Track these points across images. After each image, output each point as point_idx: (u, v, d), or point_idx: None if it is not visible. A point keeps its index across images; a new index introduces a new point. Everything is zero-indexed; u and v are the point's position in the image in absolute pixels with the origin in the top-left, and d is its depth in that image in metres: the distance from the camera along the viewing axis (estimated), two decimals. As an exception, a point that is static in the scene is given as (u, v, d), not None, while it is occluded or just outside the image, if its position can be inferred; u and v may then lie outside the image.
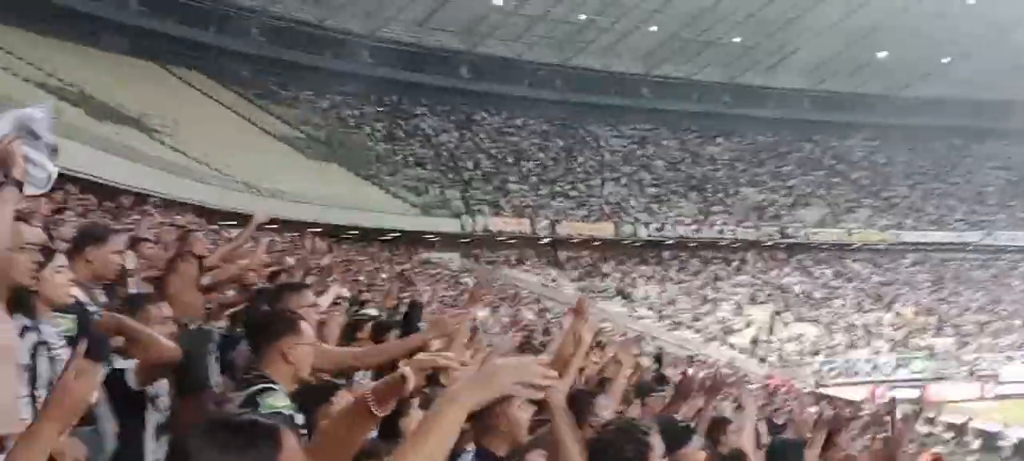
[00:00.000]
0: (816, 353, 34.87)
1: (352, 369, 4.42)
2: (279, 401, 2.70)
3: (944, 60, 48.50)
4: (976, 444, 23.13)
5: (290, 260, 11.39)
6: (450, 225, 36.54)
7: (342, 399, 3.09)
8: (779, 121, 51.47)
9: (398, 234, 33.81)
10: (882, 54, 48.25)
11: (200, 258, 5.69)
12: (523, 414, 2.84)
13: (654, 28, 45.49)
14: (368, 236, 31.20)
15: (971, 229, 45.75)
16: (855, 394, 26.02)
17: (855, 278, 42.17)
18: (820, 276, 41.94)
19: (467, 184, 40.56)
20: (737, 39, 47.04)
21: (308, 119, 39.75)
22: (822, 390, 26.48)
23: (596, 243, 40.24)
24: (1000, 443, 22.54)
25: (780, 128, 51.66)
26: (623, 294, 37.38)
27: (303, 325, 2.95)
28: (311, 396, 3.06)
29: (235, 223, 17.11)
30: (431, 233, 35.86)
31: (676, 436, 3.11)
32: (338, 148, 38.20)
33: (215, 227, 16.54)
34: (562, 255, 39.91)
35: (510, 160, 43.78)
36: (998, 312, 40.01)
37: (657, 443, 2.39)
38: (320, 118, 40.72)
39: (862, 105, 52.64)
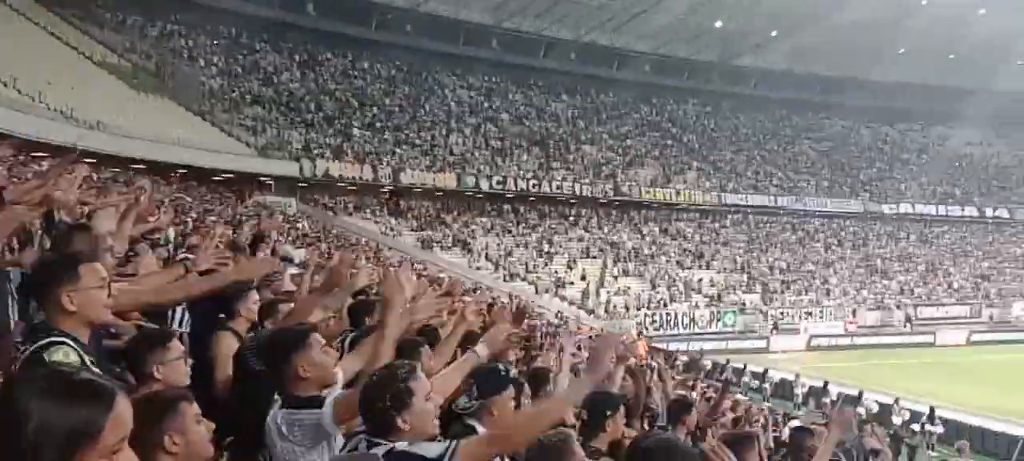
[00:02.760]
0: (640, 307, 36.81)
1: (159, 305, 4.29)
2: (67, 356, 2.48)
3: (773, 33, 51.71)
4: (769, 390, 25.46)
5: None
6: (288, 168, 35.49)
7: (176, 347, 2.92)
8: (620, 82, 53.29)
9: (231, 175, 32.51)
10: (718, 24, 50.82)
11: (-2, 190, 5.33)
12: (324, 357, 2.98)
13: (505, -20, 45.68)
14: (199, 176, 29.80)
15: (785, 194, 49.47)
16: (674, 346, 27.83)
17: (679, 236, 44.68)
18: (648, 234, 44.11)
19: (308, 127, 39.46)
20: (587, -1, 48.07)
21: (135, 46, 37.17)
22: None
23: (438, 193, 40.38)
24: (796, 391, 24.93)
25: (621, 89, 53.52)
26: (462, 245, 37.86)
27: (82, 269, 2.64)
28: (144, 344, 2.90)
29: (48, 156, 15.91)
30: (267, 176, 34.71)
31: (492, 382, 3.23)
32: (168, 80, 36.02)
33: (24, 160, 15.32)
34: (403, 204, 39.78)
35: (354, 104, 42.93)
36: (801, 272, 43.74)
37: (419, 385, 2.48)
38: (149, 46, 38.18)
39: (697, 72, 55.40)
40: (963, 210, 52.63)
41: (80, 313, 2.63)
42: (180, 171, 28.67)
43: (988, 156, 59.54)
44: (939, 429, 19.99)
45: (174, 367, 2.87)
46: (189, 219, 14.97)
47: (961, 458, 13.39)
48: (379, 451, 2.39)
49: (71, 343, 2.56)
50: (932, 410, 20.42)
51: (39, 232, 6.17)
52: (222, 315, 4.61)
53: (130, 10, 38.83)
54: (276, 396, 2.95)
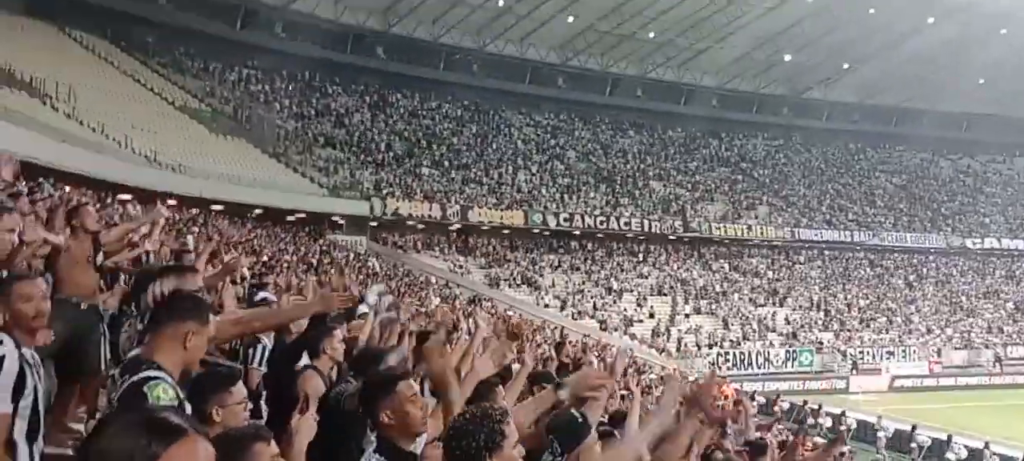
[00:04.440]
0: (712, 345, 36.08)
1: (236, 336, 4.34)
2: (166, 393, 2.54)
3: (844, 66, 50.70)
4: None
5: (190, 239, 11.18)
6: (359, 207, 36.12)
7: (239, 391, 2.90)
8: (688, 117, 52.86)
9: (304, 215, 33.25)
10: (787, 57, 50.12)
11: (93, 234, 5.50)
12: (415, 409, 2.92)
13: (571, 18, 45.97)
14: (274, 216, 30.59)
15: (860, 229, 48.09)
16: (748, 386, 27.14)
17: (751, 273, 43.78)
18: (719, 270, 43.35)
19: (378, 166, 40.18)
20: (651, 34, 48.02)
21: (215, 92, 38.58)
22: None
23: (506, 231, 40.52)
24: (878, 435, 23.93)
25: (688, 124, 53.08)
26: (529, 282, 37.82)
27: (211, 316, 2.80)
28: (208, 384, 2.88)
29: (133, 199, 16.52)
30: (338, 215, 35.39)
31: (573, 432, 3.12)
32: (245, 123, 37.21)
33: (111, 202, 15.96)
34: (471, 242, 40.03)
35: (423, 144, 43.57)
36: (881, 309, 42.28)
37: (511, 430, 2.40)
38: (227, 91, 39.58)
39: (766, 105, 54.60)
40: (1052, 244, 50.29)
41: (188, 355, 2.73)
42: (256, 211, 29.55)
43: (1076, 187, 56.86)
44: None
45: (234, 411, 2.82)
46: (264, 258, 15.34)
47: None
48: None
49: (168, 379, 2.61)
50: (1026, 456, 19.37)
51: (125, 275, 6.34)
52: (307, 352, 4.65)
53: (210, 57, 40.37)
54: (371, 437, 2.92)
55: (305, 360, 4.60)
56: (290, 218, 32.46)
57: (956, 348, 39.66)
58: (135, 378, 2.59)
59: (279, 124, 39.50)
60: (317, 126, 41.33)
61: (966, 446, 21.44)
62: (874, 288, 44.55)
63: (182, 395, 2.66)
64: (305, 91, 43.36)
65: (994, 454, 20.42)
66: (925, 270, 47.14)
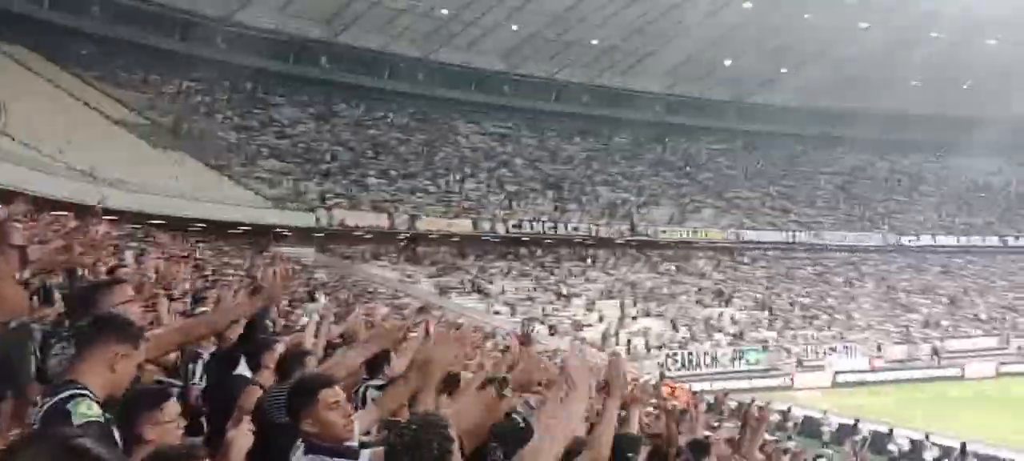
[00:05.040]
0: (660, 346, 36.46)
1: (181, 344, 4.28)
2: (91, 408, 2.46)
3: (783, 70, 51.83)
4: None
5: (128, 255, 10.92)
6: (305, 219, 35.68)
7: (172, 408, 2.84)
8: (634, 123, 53.46)
9: (248, 227, 32.72)
10: (727, 62, 51.03)
11: (20, 249, 5.33)
12: (336, 416, 2.90)
13: (516, 27, 46.16)
14: (218, 230, 30.03)
15: (802, 229, 49.15)
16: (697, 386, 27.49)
17: (697, 274, 44.38)
18: (665, 272, 43.86)
19: (324, 177, 39.75)
20: (595, 41, 48.47)
21: (154, 105, 37.74)
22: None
23: (454, 239, 40.42)
24: (822, 429, 24.47)
25: (634, 129, 53.67)
26: (479, 289, 37.77)
27: (141, 342, 2.74)
28: (139, 403, 2.80)
29: (70, 215, 16.04)
30: (284, 226, 34.90)
31: (516, 436, 3.12)
32: (186, 136, 36.48)
33: (49, 220, 15.47)
34: (420, 250, 39.83)
35: (369, 154, 43.26)
36: (822, 307, 43.24)
37: (454, 434, 2.41)
38: (167, 104, 38.75)
39: (710, 110, 55.48)
40: (985, 240, 52.03)
41: (116, 378, 2.65)
42: (198, 225, 28.98)
43: (1007, 184, 59.00)
44: (972, 465, 19.53)
45: (167, 429, 2.76)
46: (207, 272, 15.05)
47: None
48: None
49: (92, 396, 2.53)
50: (963, 446, 19.96)
51: (59, 291, 6.17)
52: (241, 369, 4.58)
53: (149, 69, 39.51)
54: (298, 443, 2.89)
55: (243, 369, 4.53)
56: (233, 231, 31.89)
57: (895, 343, 40.73)
58: (56, 399, 2.52)
59: (221, 136, 38.84)
60: (260, 137, 40.74)
61: (908, 438, 22.03)
62: (815, 286, 45.55)
63: (108, 414, 2.57)
64: (247, 102, 42.73)
65: (934, 444, 20.99)
66: (864, 268, 48.38)
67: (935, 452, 20.31)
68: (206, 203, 30.08)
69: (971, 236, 52.12)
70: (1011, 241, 51.88)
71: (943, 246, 51.09)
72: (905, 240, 50.72)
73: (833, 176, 56.41)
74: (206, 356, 5.24)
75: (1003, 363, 38.59)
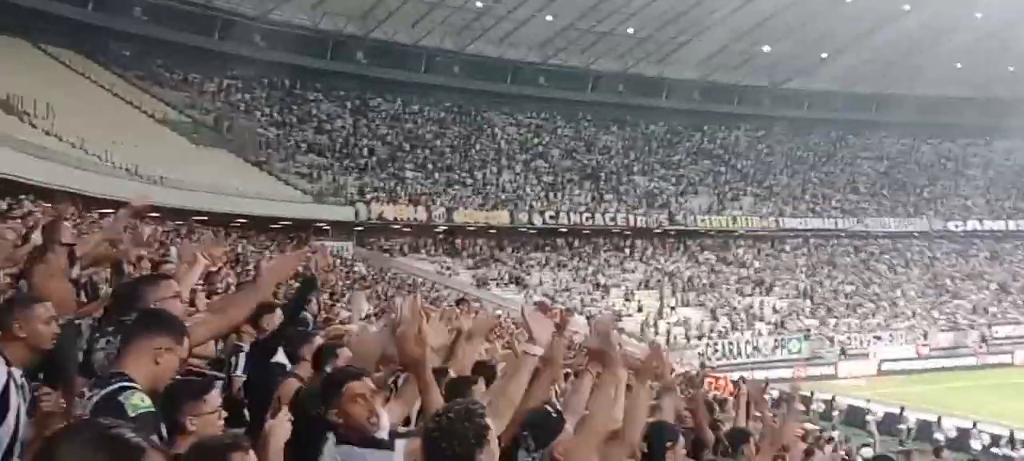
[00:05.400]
0: (700, 337, 36.19)
1: (221, 328, 4.32)
2: (143, 400, 2.52)
3: (822, 55, 50.93)
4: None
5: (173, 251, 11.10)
6: (343, 213, 36.02)
7: (214, 399, 2.90)
8: (670, 111, 52.99)
9: (289, 222, 33.14)
10: (766, 48, 50.30)
11: (69, 247, 5.46)
12: (361, 409, 2.91)
13: (550, 17, 45.99)
14: (258, 225, 30.47)
15: (844, 216, 48.34)
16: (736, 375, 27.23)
17: (737, 263, 43.92)
18: (705, 262, 43.48)
19: (362, 171, 40.09)
20: (631, 30, 48.10)
21: (195, 103, 38.37)
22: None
23: (492, 231, 40.50)
24: (867, 418, 24.09)
25: (670, 118, 53.21)
26: (517, 281, 37.82)
27: (185, 337, 2.79)
28: (181, 394, 2.85)
29: (114, 213, 16.38)
30: (323, 221, 35.29)
31: (547, 429, 3.05)
32: (226, 133, 37.04)
33: (95, 217, 15.84)
34: (458, 243, 39.99)
35: (406, 147, 43.50)
36: (867, 295, 42.53)
37: (490, 423, 2.36)
38: (208, 102, 39.38)
39: (747, 97, 54.79)
40: (1034, 225, 50.70)
41: (159, 371, 2.70)
42: (240, 220, 29.44)
43: (1057, 167, 57.34)
44: (1021, 453, 19.08)
45: (208, 420, 2.81)
46: (249, 267, 15.27)
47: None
48: None
49: (140, 388, 2.58)
50: (1012, 434, 19.53)
51: (106, 285, 6.32)
52: (279, 358, 4.65)
53: (189, 68, 40.17)
54: (328, 433, 2.92)
55: (280, 357, 4.59)
56: (274, 226, 32.34)
57: (942, 330, 39.95)
58: (108, 390, 2.56)
59: (260, 132, 39.36)
60: (299, 133, 41.19)
61: (956, 426, 21.62)
62: (859, 274, 44.81)
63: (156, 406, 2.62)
64: (285, 99, 43.22)
65: (982, 433, 20.58)
66: (909, 254, 47.45)
67: (984, 439, 19.89)
68: (247, 199, 30.52)
69: (1020, 220, 50.77)
70: (1061, 226, 50.46)
71: (990, 231, 49.86)
72: (951, 225, 49.58)
73: (875, 161, 55.35)
74: (247, 348, 5.34)
75: (1054, 350, 37.64)
